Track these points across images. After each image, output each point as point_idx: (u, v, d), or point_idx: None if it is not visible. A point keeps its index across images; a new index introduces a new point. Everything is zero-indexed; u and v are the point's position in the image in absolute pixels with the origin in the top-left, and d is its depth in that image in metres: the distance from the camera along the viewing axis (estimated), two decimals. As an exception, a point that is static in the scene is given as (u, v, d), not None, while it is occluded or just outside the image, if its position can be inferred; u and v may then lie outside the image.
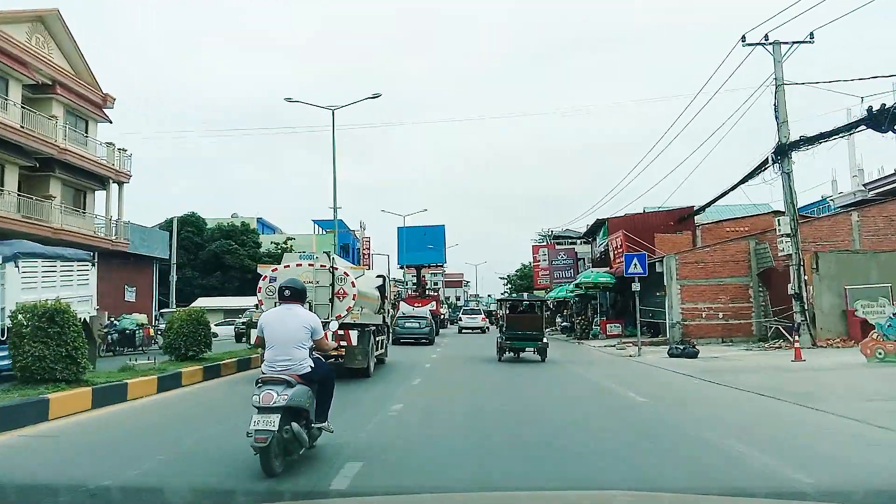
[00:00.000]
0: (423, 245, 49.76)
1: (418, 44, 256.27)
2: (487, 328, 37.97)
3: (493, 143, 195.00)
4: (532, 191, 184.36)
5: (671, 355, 16.25)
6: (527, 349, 16.02)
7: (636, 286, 17.38)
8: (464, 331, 37.94)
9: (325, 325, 6.12)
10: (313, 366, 5.08)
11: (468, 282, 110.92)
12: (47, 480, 4.55)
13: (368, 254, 63.39)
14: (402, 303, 34.17)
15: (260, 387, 4.74)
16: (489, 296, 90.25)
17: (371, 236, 64.85)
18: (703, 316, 21.25)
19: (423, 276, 53.11)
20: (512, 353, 16.08)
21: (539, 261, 44.29)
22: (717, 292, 21.40)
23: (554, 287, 39.49)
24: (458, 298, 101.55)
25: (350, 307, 11.24)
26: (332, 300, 11.33)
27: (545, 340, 15.83)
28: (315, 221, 61.85)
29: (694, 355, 15.83)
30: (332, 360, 10.61)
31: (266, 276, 11.36)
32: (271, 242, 46.15)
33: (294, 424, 4.68)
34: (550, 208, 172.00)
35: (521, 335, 15.90)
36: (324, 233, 61.07)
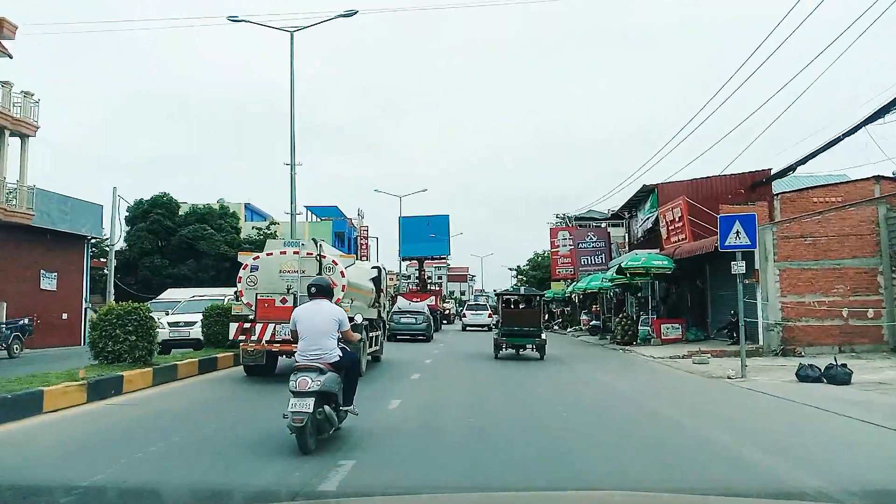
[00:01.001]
0: (425, 236, 48.03)
1: (421, 38, 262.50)
2: (495, 325, 34.16)
3: (495, 140, 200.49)
4: (537, 189, 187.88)
5: (803, 378, 11.42)
6: (526, 346, 16.48)
7: (739, 266, 12.55)
8: (468, 328, 34.81)
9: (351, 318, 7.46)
10: (341, 355, 6.14)
11: (473, 276, 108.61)
12: None
13: (367, 244, 60.51)
14: (399, 297, 33.69)
15: (296, 374, 5.76)
16: (494, 290, 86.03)
17: (371, 226, 62.51)
18: (843, 317, 16.42)
19: (424, 271, 51.76)
20: (512, 350, 16.50)
21: (558, 246, 40.36)
22: (831, 280, 16.77)
23: (581, 276, 34.79)
24: (462, 293, 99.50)
25: (339, 299, 10.51)
26: None
27: (544, 336, 16.32)
28: (308, 208, 59.35)
29: (845, 380, 11.04)
30: None
31: (247, 265, 11.29)
32: (253, 227, 42.65)
33: (326, 407, 5.73)
34: (553, 207, 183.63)
35: (518, 331, 16.33)
36: (319, 220, 59.17)
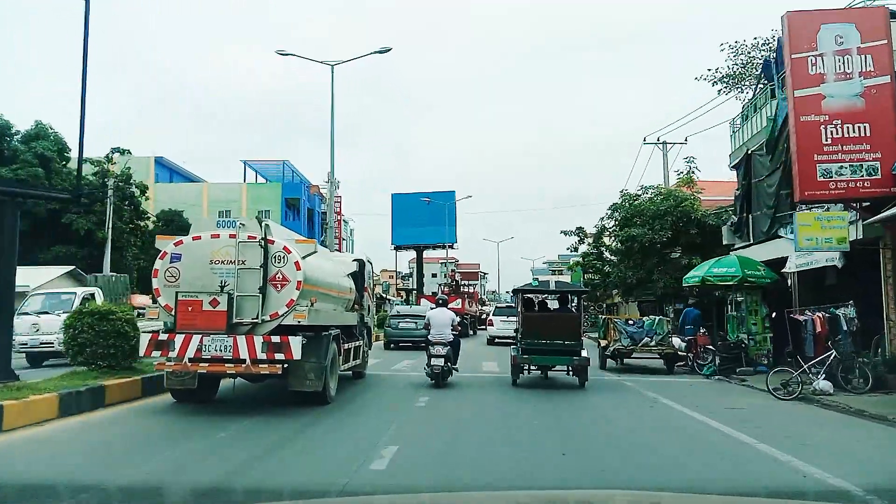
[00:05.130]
0: (424, 218, 46.37)
1: (434, 38, 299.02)
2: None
3: (507, 140, 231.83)
4: (550, 190, 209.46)
5: None
6: (555, 367, 15.70)
7: None
8: (497, 340, 33.49)
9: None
10: (452, 338, 14.79)
11: (486, 274, 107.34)
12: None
13: (340, 222, 57.10)
14: (423, 300, 37.77)
15: (433, 346, 14.45)
16: (507, 292, 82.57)
17: (362, 213, 60.65)
18: None
19: (453, 272, 51.73)
20: (539, 372, 15.99)
21: (820, 76, 15.48)
22: None
23: None
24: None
25: (293, 301, 10.48)
26: (263, 290, 10.45)
27: (584, 353, 15.09)
28: (247, 164, 55.93)
29: None
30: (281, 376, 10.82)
31: (165, 253, 10.71)
32: (87, 162, 33.16)
33: (448, 363, 14.27)
34: (564, 209, 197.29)
35: (546, 346, 15.30)
36: (266, 181, 55.98)
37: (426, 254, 59.98)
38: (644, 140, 33.34)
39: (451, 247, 57.27)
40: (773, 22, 31.34)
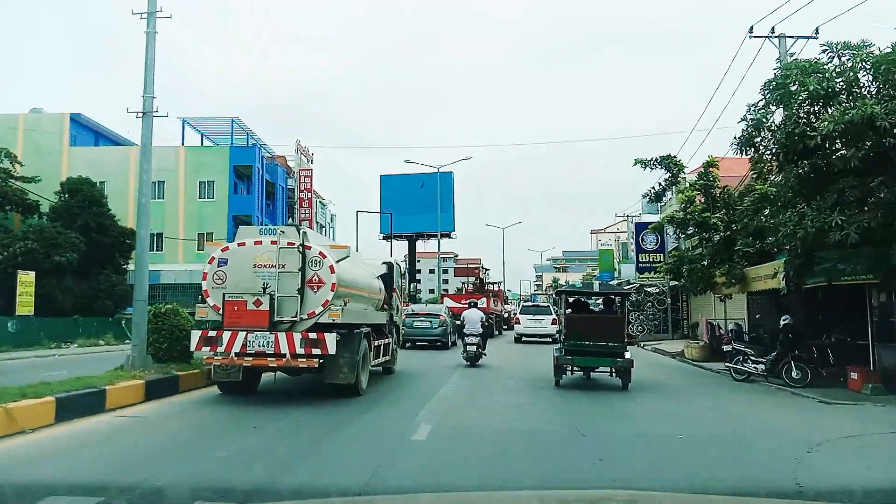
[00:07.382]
0: (418, 204, 46.75)
1: (441, 41, 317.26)
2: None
3: (510, 142, 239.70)
4: (552, 190, 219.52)
5: None
6: (598, 368, 16.66)
7: None
8: (524, 339, 36.84)
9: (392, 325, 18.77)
10: (482, 329, 21.91)
11: (488, 269, 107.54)
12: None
13: (311, 200, 53.98)
14: (446, 298, 41.28)
15: (468, 336, 21.51)
16: (509, 290, 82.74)
17: (347, 198, 58.84)
18: None
19: (477, 270, 53.18)
20: (581, 373, 16.92)
21: None
22: None
23: None
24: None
25: (328, 301, 12.39)
26: (301, 291, 12.43)
27: (628, 355, 16.09)
28: (186, 122, 51.08)
29: None
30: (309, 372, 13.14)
31: (213, 258, 12.76)
32: None
33: (479, 349, 21.53)
34: (568, 209, 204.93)
35: (590, 347, 16.27)
36: (214, 144, 51.26)
37: (419, 246, 57.99)
38: (750, 31, 22.58)
39: (449, 236, 56.50)
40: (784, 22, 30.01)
